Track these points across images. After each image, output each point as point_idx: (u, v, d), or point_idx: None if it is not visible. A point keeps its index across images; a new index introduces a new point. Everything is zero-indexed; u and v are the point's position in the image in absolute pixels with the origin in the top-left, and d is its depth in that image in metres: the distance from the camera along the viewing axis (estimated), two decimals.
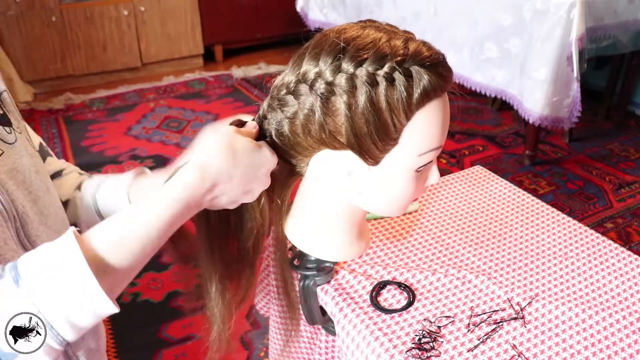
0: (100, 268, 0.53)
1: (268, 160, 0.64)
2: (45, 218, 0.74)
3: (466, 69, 2.59)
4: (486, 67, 2.52)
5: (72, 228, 0.55)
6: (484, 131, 3.00)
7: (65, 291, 0.52)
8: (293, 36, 4.15)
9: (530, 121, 2.37)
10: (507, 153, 2.79)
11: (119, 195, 0.78)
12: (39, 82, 3.46)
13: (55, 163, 0.87)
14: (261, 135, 0.67)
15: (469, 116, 3.15)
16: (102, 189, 0.81)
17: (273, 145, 0.67)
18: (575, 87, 2.22)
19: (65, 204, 0.83)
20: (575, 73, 2.18)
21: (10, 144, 0.71)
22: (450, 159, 2.72)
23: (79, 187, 0.85)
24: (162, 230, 0.57)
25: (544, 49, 2.23)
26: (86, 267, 0.52)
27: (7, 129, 0.71)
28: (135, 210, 0.57)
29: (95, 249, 0.54)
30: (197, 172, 0.59)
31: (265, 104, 0.68)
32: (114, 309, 0.55)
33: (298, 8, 3.55)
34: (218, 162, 0.59)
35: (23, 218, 0.70)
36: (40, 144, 0.85)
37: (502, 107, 3.15)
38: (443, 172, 1.03)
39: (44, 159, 0.84)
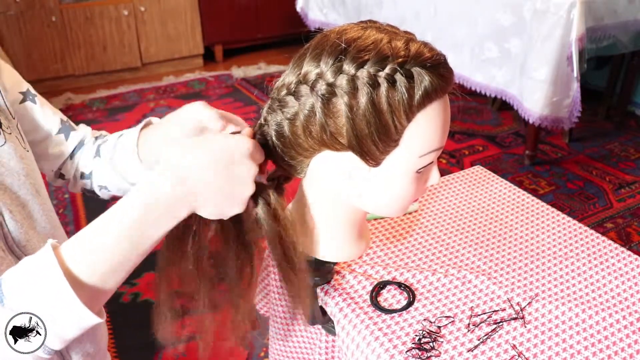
0: (78, 282, 0.54)
1: (245, 142, 0.59)
2: (34, 222, 0.73)
3: (466, 69, 2.59)
4: (486, 67, 2.52)
5: (50, 242, 0.56)
6: (484, 131, 3.00)
7: (48, 307, 0.53)
8: (293, 36, 4.15)
9: (530, 121, 2.37)
10: (507, 153, 2.79)
11: (131, 159, 0.80)
12: (39, 82, 3.45)
13: (77, 136, 0.88)
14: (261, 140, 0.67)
15: (469, 116, 3.15)
16: (116, 153, 0.83)
17: (268, 147, 0.66)
18: (575, 87, 2.22)
19: (90, 174, 0.87)
20: (575, 73, 2.18)
21: None
22: (450, 159, 2.72)
23: (98, 154, 0.86)
24: (134, 238, 0.56)
25: (544, 49, 2.23)
26: (65, 283, 0.52)
27: None
28: (107, 219, 0.56)
29: (72, 263, 0.54)
30: (172, 180, 0.56)
31: (265, 107, 0.67)
32: (96, 320, 0.55)
33: (298, 8, 3.55)
34: (196, 172, 0.56)
35: (10, 223, 0.70)
36: (62, 121, 0.86)
37: (502, 107, 3.15)
38: (443, 172, 1.03)
39: (67, 137, 0.86)
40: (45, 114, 0.83)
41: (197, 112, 0.73)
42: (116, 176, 0.83)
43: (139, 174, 0.81)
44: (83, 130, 0.89)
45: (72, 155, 0.87)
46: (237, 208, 0.60)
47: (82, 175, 0.87)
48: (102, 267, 0.55)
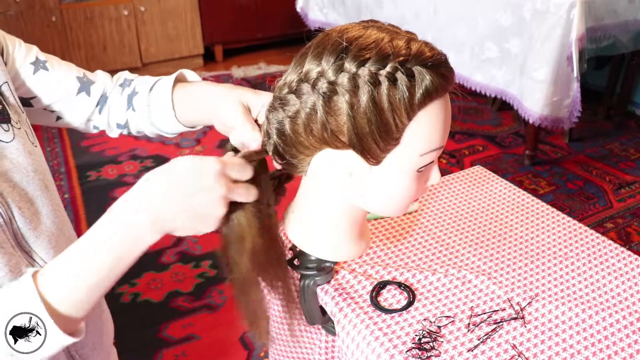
0: (54, 310, 0.57)
1: (211, 167, 0.59)
2: (43, 218, 0.74)
3: (466, 69, 2.59)
4: (486, 67, 2.52)
5: (30, 272, 0.58)
6: (484, 131, 3.00)
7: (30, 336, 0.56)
8: (293, 36, 4.15)
9: (530, 121, 2.37)
10: (507, 153, 2.79)
11: (169, 120, 0.83)
12: None
13: (98, 89, 0.89)
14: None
15: (469, 116, 3.15)
16: (152, 112, 0.85)
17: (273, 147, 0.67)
18: (575, 87, 2.22)
19: (126, 124, 0.89)
20: (575, 73, 2.18)
21: (6, 142, 0.70)
22: (450, 159, 2.72)
23: (131, 106, 0.87)
24: (112, 271, 0.59)
25: (544, 49, 2.23)
26: (43, 311, 0.55)
27: (5, 125, 0.71)
28: (83, 255, 0.58)
29: (49, 291, 0.57)
30: (135, 215, 0.58)
31: (266, 106, 0.68)
32: (72, 340, 0.58)
33: (298, 8, 3.55)
34: (154, 194, 0.58)
35: (19, 220, 0.70)
36: (78, 78, 0.87)
37: (502, 107, 3.15)
38: (443, 172, 1.02)
39: (89, 93, 0.87)
40: (60, 78, 0.84)
41: (236, 121, 0.72)
42: (155, 129, 0.87)
43: (178, 129, 0.85)
44: (102, 80, 0.89)
45: (100, 110, 0.89)
46: (209, 228, 0.62)
47: (118, 125, 0.90)
48: (77, 295, 0.58)
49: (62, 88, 0.85)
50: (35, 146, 0.76)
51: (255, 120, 0.73)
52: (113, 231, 0.58)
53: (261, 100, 0.74)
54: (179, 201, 0.58)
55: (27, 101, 0.83)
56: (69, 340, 0.57)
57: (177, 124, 0.83)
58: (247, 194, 0.62)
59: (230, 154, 0.67)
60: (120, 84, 0.90)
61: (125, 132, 0.91)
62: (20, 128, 0.73)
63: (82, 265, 0.57)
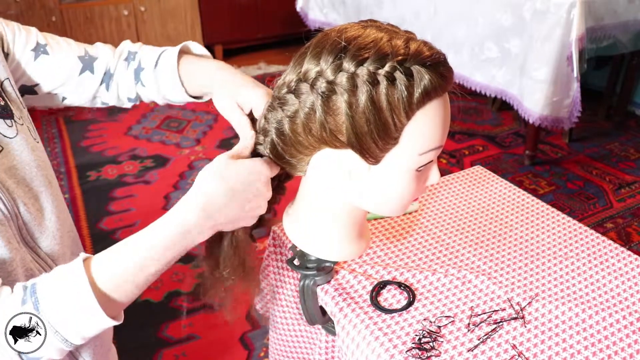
0: (101, 294, 0.60)
1: (261, 174, 0.65)
2: (48, 213, 0.74)
3: (466, 69, 2.59)
4: (486, 67, 2.52)
5: (82, 255, 0.62)
6: (484, 131, 3.00)
7: (74, 312, 0.59)
8: (293, 36, 4.15)
9: (530, 121, 2.37)
10: (507, 153, 2.79)
11: (178, 93, 0.84)
12: None
13: (101, 65, 0.88)
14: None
15: (469, 116, 3.15)
16: (161, 87, 0.85)
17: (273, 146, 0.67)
18: (575, 87, 2.22)
19: (137, 97, 0.90)
20: (575, 73, 2.18)
21: (10, 138, 0.71)
22: (450, 159, 2.72)
23: (139, 81, 0.87)
24: (162, 266, 0.63)
25: (544, 49, 2.23)
26: (91, 294, 0.59)
27: (8, 121, 0.71)
28: (137, 251, 0.61)
29: (98, 276, 0.60)
30: (200, 213, 0.62)
31: (265, 105, 0.68)
32: (114, 323, 0.62)
33: (298, 8, 3.55)
34: (217, 202, 0.62)
35: (25, 216, 0.70)
36: (80, 57, 0.86)
37: (502, 107, 3.15)
38: (443, 172, 1.03)
39: (92, 70, 0.87)
40: (61, 60, 0.84)
41: (231, 119, 0.75)
42: (167, 101, 0.88)
43: (188, 101, 0.86)
44: (105, 54, 0.89)
45: (107, 87, 0.89)
46: (250, 223, 0.68)
47: (129, 99, 0.90)
48: (125, 284, 0.61)
49: (65, 72, 0.84)
50: (38, 142, 0.76)
51: (251, 117, 0.73)
52: (171, 231, 0.61)
53: (255, 94, 0.74)
54: (238, 209, 0.64)
55: (30, 89, 0.83)
56: (110, 322, 0.60)
57: (186, 96, 0.84)
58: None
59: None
60: (125, 58, 0.89)
61: (137, 103, 0.92)
62: (22, 124, 0.73)
63: (136, 257, 0.61)
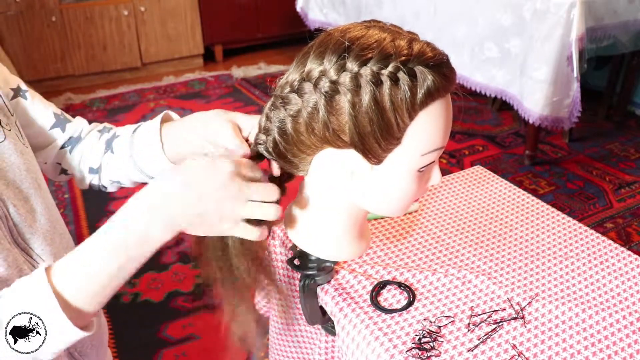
0: (66, 303, 0.58)
1: (221, 169, 0.61)
2: (38, 215, 0.75)
3: (466, 69, 2.59)
4: (486, 67, 2.52)
5: (43, 265, 0.59)
6: (484, 131, 3.00)
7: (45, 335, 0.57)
8: (293, 36, 4.15)
9: (530, 121, 2.37)
10: (507, 153, 2.79)
11: (156, 156, 0.81)
12: (39, 82, 3.46)
13: (73, 128, 0.87)
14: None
15: (469, 116, 3.15)
16: (135, 149, 0.83)
17: (275, 145, 0.67)
18: (575, 87, 2.22)
19: (99, 169, 0.87)
20: (575, 73, 2.18)
21: None
22: (450, 159, 2.72)
23: (109, 149, 0.86)
24: (124, 270, 0.60)
25: (544, 49, 2.23)
26: (55, 304, 0.56)
27: None
28: (96, 254, 0.59)
29: (62, 285, 0.58)
30: (145, 204, 0.59)
31: (268, 104, 0.68)
32: (82, 334, 0.59)
33: (298, 8, 3.55)
34: (167, 191, 0.60)
35: (15, 217, 0.71)
36: (55, 114, 0.86)
37: (502, 107, 3.15)
38: (443, 172, 1.02)
39: (63, 129, 0.86)
40: (37, 109, 0.83)
41: (225, 138, 0.73)
42: (136, 172, 0.84)
43: (164, 167, 0.82)
44: (80, 123, 0.89)
45: (71, 150, 0.87)
46: (231, 226, 0.63)
47: (90, 170, 0.88)
48: (89, 291, 0.59)
49: (38, 121, 0.83)
50: (27, 147, 0.76)
51: (247, 140, 0.73)
52: (125, 230, 0.59)
53: (252, 122, 0.74)
54: (194, 202, 0.59)
55: None
56: (81, 334, 0.58)
57: (163, 159, 0.80)
58: (265, 192, 0.63)
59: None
60: (99, 129, 0.88)
61: (96, 180, 0.89)
62: (10, 130, 0.74)
63: (96, 263, 0.58)
